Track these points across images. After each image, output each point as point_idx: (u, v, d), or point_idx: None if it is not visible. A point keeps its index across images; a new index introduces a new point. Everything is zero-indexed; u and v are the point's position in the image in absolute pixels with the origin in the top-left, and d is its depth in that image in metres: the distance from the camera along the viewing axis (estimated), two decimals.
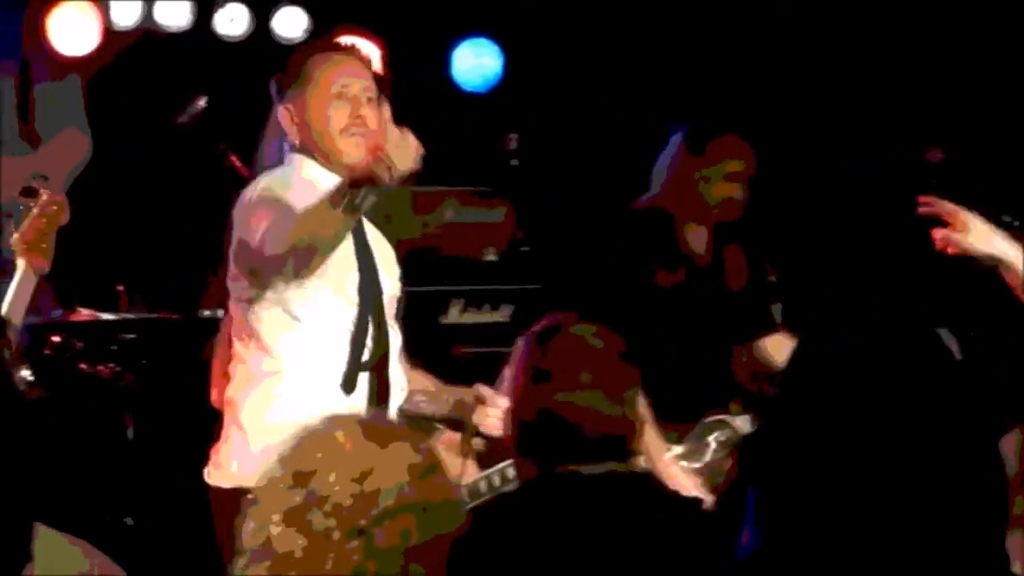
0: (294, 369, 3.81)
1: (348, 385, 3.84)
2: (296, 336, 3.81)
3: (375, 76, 4.11)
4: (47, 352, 5.89)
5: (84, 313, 5.95)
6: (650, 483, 2.96)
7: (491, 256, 7.13)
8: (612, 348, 2.94)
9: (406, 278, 6.81)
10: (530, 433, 2.88)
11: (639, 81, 7.20)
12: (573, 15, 7.16)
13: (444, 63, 7.18)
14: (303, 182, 3.83)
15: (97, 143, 6.86)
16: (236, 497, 3.63)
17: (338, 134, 3.91)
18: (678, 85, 7.10)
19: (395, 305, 4.12)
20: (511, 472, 4.07)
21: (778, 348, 4.69)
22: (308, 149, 3.93)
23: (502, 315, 7.08)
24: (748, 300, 4.85)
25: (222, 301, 4.19)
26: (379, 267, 4.04)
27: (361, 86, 4.00)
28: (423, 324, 6.89)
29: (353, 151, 3.88)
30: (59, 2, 6.17)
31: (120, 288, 6.32)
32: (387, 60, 6.82)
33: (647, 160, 6.78)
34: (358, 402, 3.83)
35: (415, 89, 7.05)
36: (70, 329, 5.93)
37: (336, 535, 2.00)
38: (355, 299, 3.91)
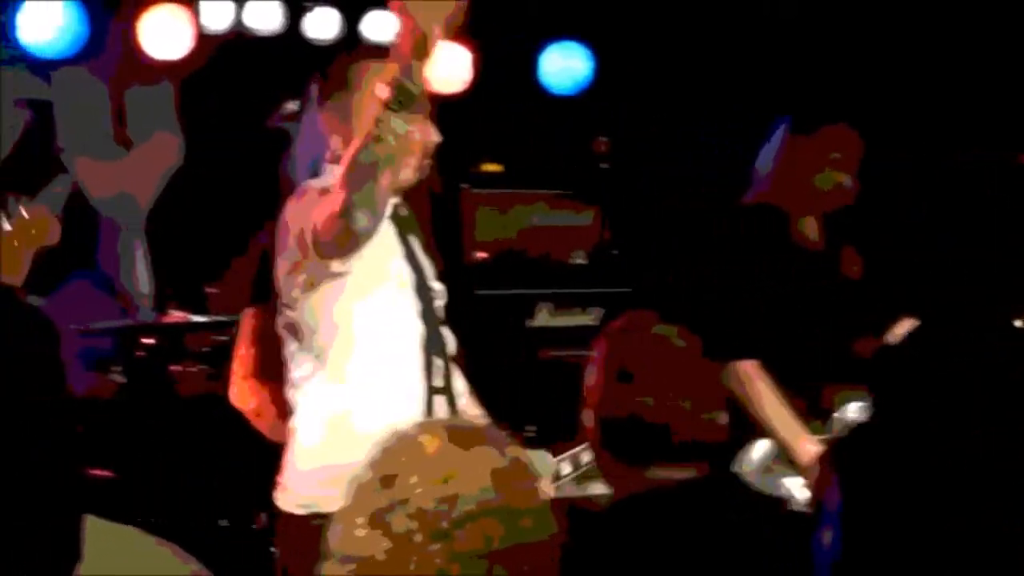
0: (359, 390, 3.70)
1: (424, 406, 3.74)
2: (359, 357, 3.69)
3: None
4: (139, 354, 5.94)
5: (176, 315, 6.00)
6: (733, 487, 2.95)
7: (579, 259, 7.12)
8: (694, 349, 2.93)
9: (495, 281, 6.82)
10: (612, 433, 2.87)
11: (727, 81, 7.17)
12: (661, 17, 7.14)
13: (533, 66, 7.18)
14: None
15: (189, 146, 6.92)
16: (299, 523, 3.60)
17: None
18: (766, 85, 7.06)
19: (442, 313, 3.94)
20: (585, 457, 4.06)
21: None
22: None
23: (590, 318, 7.06)
24: (865, 289, 4.77)
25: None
26: (427, 275, 3.89)
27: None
28: (510, 327, 6.90)
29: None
30: (151, 6, 6.22)
31: (211, 290, 6.36)
32: (477, 64, 6.84)
33: (737, 159, 6.75)
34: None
35: (504, 92, 7.08)
36: (162, 331, 5.98)
37: (418, 538, 2.00)
38: (415, 313, 3.79)
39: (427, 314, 3.81)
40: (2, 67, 6.34)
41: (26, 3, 5.98)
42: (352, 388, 3.68)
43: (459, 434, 2.10)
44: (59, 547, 2.07)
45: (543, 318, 6.99)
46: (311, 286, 3.64)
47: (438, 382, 3.78)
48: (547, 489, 3.59)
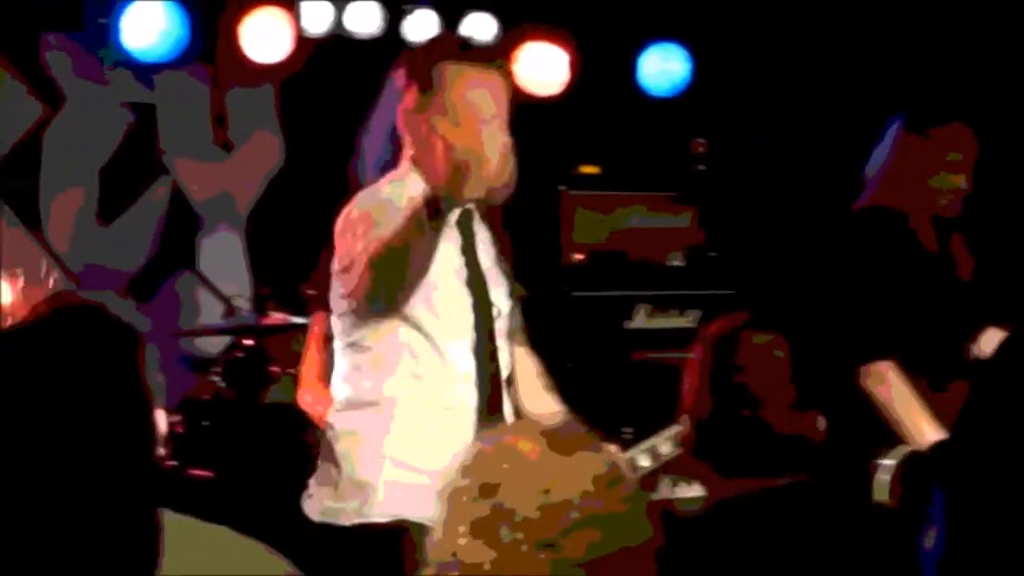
0: (402, 402, 3.59)
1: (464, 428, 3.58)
2: (406, 367, 3.59)
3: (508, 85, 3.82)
4: (239, 355, 5.99)
5: (275, 316, 6.04)
6: (830, 493, 2.93)
7: (677, 261, 7.10)
8: (790, 359, 2.92)
9: (592, 282, 6.79)
10: (710, 437, 2.86)
11: (827, 80, 7.12)
12: (760, 16, 7.10)
13: (631, 68, 7.16)
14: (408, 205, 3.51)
15: (288, 148, 6.97)
16: (316, 530, 3.54)
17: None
18: (868, 84, 7.00)
19: (507, 321, 3.78)
20: (664, 448, 4.03)
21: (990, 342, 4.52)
22: (422, 166, 3.62)
23: (688, 320, 7.04)
24: (981, 289, 4.68)
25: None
26: (490, 288, 3.72)
27: (500, 109, 3.65)
28: (608, 329, 6.89)
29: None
30: (252, 10, 6.27)
31: (310, 292, 6.40)
32: (574, 65, 6.84)
33: (834, 159, 6.69)
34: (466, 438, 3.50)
35: (603, 94, 7.07)
36: (262, 332, 6.02)
37: (524, 548, 2.00)
38: (469, 329, 3.65)
39: (480, 335, 3.66)
40: (107, 71, 6.44)
41: (130, 8, 6.05)
42: (388, 404, 3.58)
43: (558, 439, 2.10)
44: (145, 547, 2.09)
45: (640, 320, 6.98)
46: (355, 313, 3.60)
47: (482, 402, 3.63)
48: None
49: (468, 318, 3.64)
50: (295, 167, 6.94)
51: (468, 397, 3.62)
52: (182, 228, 6.75)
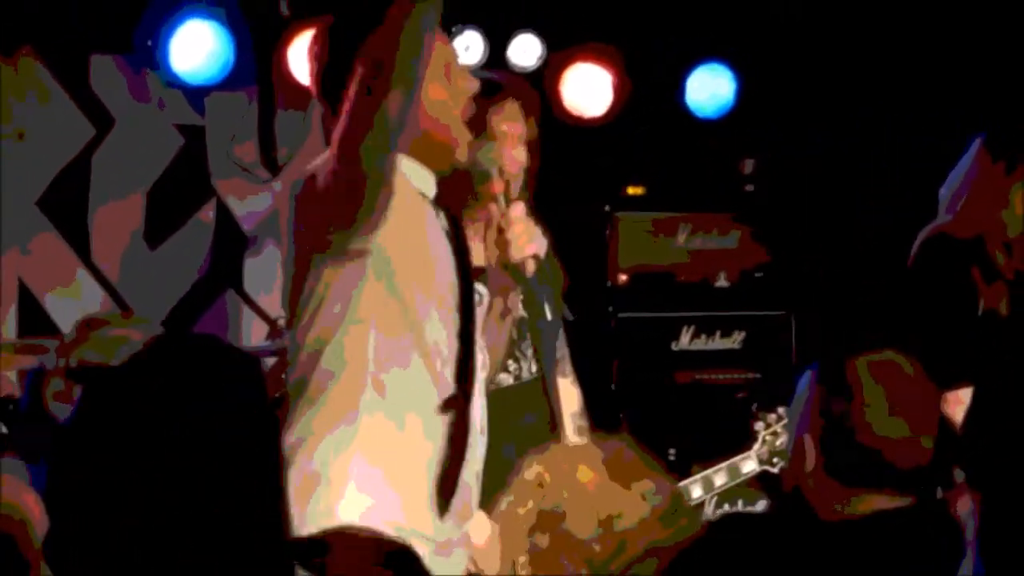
0: (388, 403, 3.37)
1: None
2: (404, 368, 3.39)
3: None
4: (283, 376, 5.99)
5: None
6: (938, 515, 2.91)
7: (723, 282, 7.08)
8: (920, 375, 2.89)
9: (638, 303, 6.76)
10: (834, 457, 2.83)
11: (874, 99, 7.10)
12: (805, 38, 7.09)
13: (678, 89, 7.16)
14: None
15: None
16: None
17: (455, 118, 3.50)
18: (912, 102, 6.98)
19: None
20: (746, 467, 4.00)
21: None
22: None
23: (734, 341, 7.03)
24: None
25: None
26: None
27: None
28: (654, 350, 6.88)
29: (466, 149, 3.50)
30: (299, 32, 6.30)
31: None
32: (620, 87, 6.84)
33: (886, 179, 6.63)
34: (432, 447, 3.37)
35: (649, 115, 7.07)
36: None
37: None
38: (455, 320, 3.48)
39: (467, 329, 3.49)
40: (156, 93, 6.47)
41: (178, 30, 6.09)
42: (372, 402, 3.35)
43: (617, 468, 2.08)
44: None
45: (686, 341, 6.97)
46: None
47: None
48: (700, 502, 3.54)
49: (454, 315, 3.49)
50: None
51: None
52: (229, 249, 6.78)
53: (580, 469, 2.07)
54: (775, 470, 3.95)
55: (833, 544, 2.75)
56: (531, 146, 3.99)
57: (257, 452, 1.99)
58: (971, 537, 2.29)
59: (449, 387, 3.41)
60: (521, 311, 3.92)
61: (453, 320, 3.47)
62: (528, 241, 3.60)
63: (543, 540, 1.98)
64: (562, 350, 4.15)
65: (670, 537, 2.03)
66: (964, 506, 2.39)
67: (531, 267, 3.60)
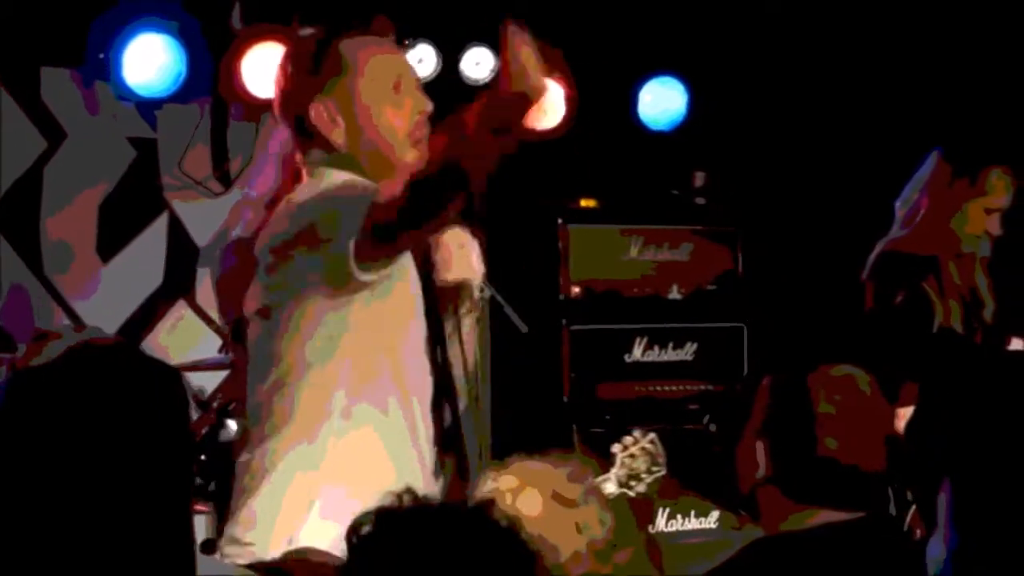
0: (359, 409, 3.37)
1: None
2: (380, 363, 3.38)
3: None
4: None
5: None
6: (890, 530, 2.92)
7: (676, 294, 7.11)
8: (876, 392, 2.90)
9: (590, 316, 6.78)
10: (787, 468, 2.83)
11: (824, 113, 7.14)
12: (757, 50, 7.13)
13: (630, 102, 7.19)
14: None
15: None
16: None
17: (403, 140, 3.44)
18: (862, 115, 7.02)
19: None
20: (607, 489, 3.97)
21: None
22: (352, 154, 3.42)
23: (686, 353, 7.05)
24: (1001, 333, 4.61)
25: None
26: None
27: (415, 76, 3.54)
28: (608, 362, 6.90)
29: (416, 160, 3.39)
30: (253, 44, 6.28)
31: None
32: (572, 100, 6.86)
33: (838, 191, 6.64)
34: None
35: (601, 128, 7.09)
36: None
37: None
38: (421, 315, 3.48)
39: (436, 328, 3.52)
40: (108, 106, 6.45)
41: (130, 43, 6.07)
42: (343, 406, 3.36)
43: (562, 498, 2.06)
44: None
45: (639, 353, 6.99)
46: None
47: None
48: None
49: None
50: None
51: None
52: (182, 261, 6.76)
53: (522, 497, 2.06)
54: (632, 493, 3.91)
55: (786, 557, 2.76)
56: None
57: (162, 462, 2.00)
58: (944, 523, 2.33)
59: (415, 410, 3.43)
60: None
61: (421, 333, 3.48)
62: (447, 270, 3.55)
63: None
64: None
65: (610, 573, 2.02)
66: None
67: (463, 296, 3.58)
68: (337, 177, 3.40)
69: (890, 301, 4.46)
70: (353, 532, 1.80)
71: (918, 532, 4.13)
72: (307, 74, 3.45)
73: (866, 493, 2.83)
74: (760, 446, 2.87)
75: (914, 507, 4.28)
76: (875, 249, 4.66)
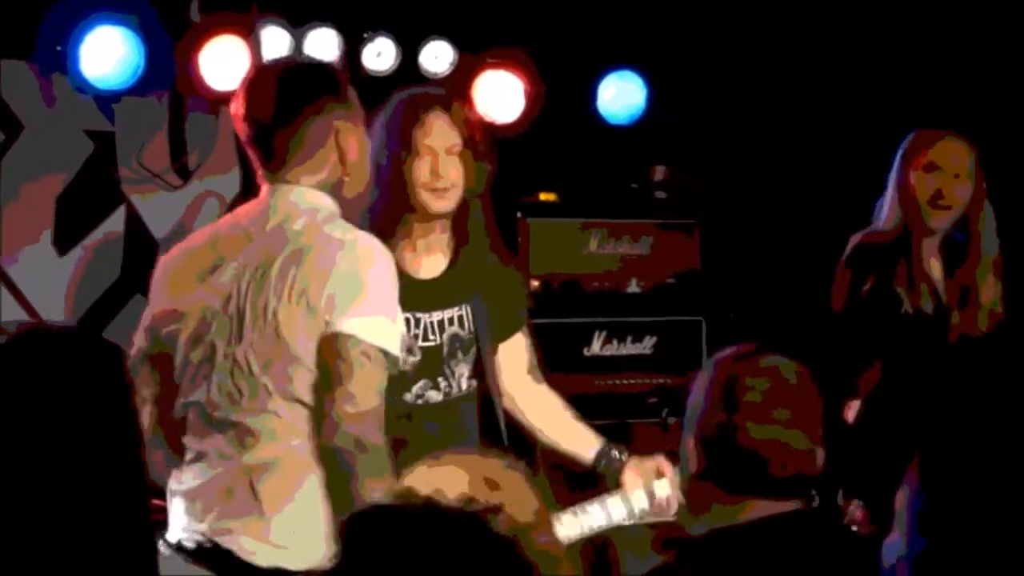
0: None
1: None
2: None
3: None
4: None
5: None
6: (829, 522, 2.92)
7: (635, 288, 7.12)
8: (805, 381, 2.89)
9: (550, 309, 6.77)
10: (715, 461, 2.83)
11: (784, 106, 7.16)
12: (718, 45, 7.14)
13: (589, 96, 7.19)
14: None
15: (245, 176, 6.97)
16: None
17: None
18: (822, 107, 7.04)
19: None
20: (641, 505, 3.96)
21: None
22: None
23: (645, 347, 7.07)
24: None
25: None
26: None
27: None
28: (567, 355, 6.90)
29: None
30: (211, 37, 6.26)
31: None
32: (532, 93, 6.86)
33: (800, 185, 6.65)
34: None
35: (560, 122, 7.09)
36: None
37: None
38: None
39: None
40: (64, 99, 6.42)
41: (87, 35, 6.04)
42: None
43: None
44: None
45: (598, 347, 6.99)
46: None
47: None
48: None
49: None
50: (253, 195, 6.92)
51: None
52: (139, 254, 6.74)
53: (447, 479, 2.03)
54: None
55: (722, 554, 2.76)
56: (464, 157, 4.01)
57: (106, 444, 2.00)
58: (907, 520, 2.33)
59: None
60: (456, 327, 3.95)
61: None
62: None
63: None
64: (530, 357, 4.15)
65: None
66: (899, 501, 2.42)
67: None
68: None
69: (858, 291, 4.46)
70: (346, 527, 1.79)
71: (860, 528, 4.12)
72: None
73: (799, 484, 2.82)
74: (690, 442, 2.87)
75: (857, 502, 4.27)
76: (851, 240, 4.66)
